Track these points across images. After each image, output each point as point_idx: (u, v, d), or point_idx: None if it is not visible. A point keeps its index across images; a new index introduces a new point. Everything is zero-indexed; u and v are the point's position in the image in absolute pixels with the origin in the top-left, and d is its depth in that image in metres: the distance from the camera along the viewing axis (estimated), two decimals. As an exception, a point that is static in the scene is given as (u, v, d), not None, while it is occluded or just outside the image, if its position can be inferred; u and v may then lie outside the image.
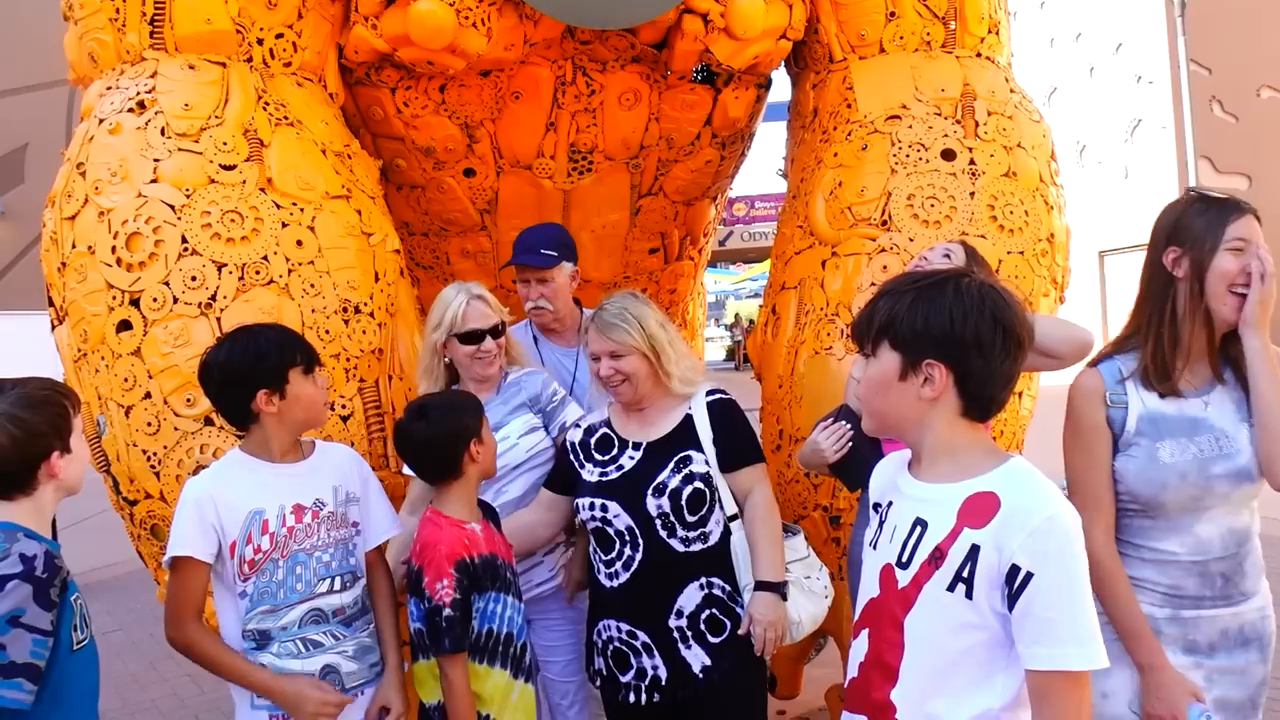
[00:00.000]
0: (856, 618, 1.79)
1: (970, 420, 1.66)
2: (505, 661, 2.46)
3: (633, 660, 2.59)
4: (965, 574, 1.55)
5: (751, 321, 26.73)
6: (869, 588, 1.74)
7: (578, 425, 2.87)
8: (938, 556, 1.58)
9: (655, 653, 2.55)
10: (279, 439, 2.41)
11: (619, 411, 2.79)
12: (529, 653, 2.57)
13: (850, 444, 2.62)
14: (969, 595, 1.54)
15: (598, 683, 2.73)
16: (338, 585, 2.41)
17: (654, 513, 2.56)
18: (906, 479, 1.73)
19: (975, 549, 1.54)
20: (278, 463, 2.41)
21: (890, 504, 1.76)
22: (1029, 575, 1.49)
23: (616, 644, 2.61)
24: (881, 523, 1.77)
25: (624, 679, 2.61)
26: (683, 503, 2.56)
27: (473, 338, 2.96)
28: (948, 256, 2.78)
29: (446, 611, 2.33)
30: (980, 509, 1.56)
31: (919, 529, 1.64)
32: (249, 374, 2.33)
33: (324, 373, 2.98)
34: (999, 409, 1.69)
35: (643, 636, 2.56)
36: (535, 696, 2.59)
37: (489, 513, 2.64)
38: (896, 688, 1.63)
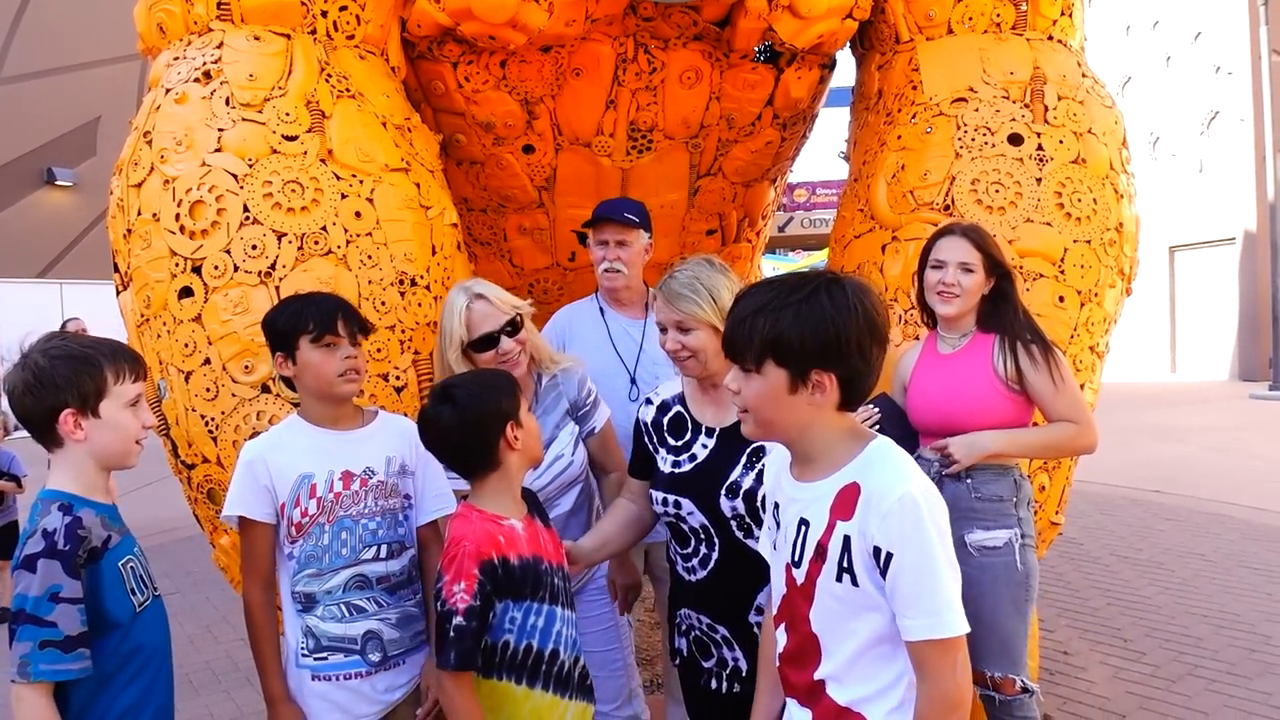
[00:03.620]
0: (774, 612, 1.88)
1: (843, 413, 1.75)
2: (548, 681, 2.20)
3: (714, 650, 2.51)
4: (845, 564, 1.65)
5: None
6: (779, 584, 1.84)
7: (650, 401, 2.68)
8: (820, 552, 1.69)
9: (736, 646, 2.46)
10: (308, 404, 2.46)
11: (694, 386, 2.60)
12: (580, 668, 2.31)
13: (877, 428, 2.59)
14: (854, 583, 1.65)
15: (676, 662, 2.66)
16: (383, 553, 2.42)
17: (728, 514, 2.41)
18: (789, 480, 1.82)
19: (847, 539, 1.65)
20: (333, 429, 2.44)
21: (778, 505, 1.86)
22: (889, 555, 1.60)
23: (698, 633, 2.54)
24: (778, 524, 1.85)
25: (705, 665, 2.53)
26: (758, 504, 2.36)
27: (487, 343, 2.81)
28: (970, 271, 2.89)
29: (457, 620, 2.04)
30: (846, 500, 1.67)
31: (803, 528, 1.74)
32: (269, 339, 2.44)
33: (375, 342, 3.02)
34: (863, 398, 1.77)
35: (723, 630, 2.47)
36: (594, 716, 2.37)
37: (534, 506, 2.38)
38: (820, 668, 1.74)
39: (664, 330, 2.52)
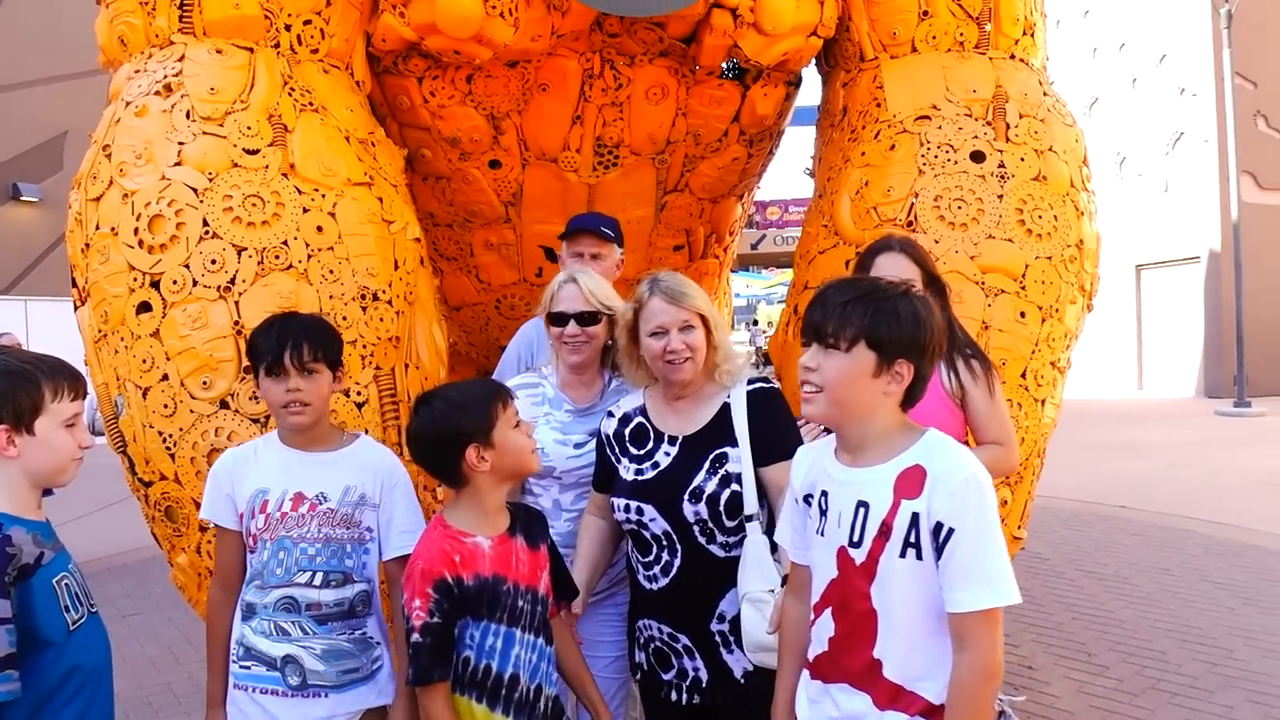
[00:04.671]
0: (817, 599, 1.94)
1: (901, 410, 1.89)
2: (507, 706, 2.16)
3: (674, 660, 2.51)
4: (912, 539, 1.76)
5: (770, 323, 26.61)
6: (826, 570, 1.90)
7: (611, 414, 2.70)
8: (885, 530, 1.79)
9: (697, 655, 2.47)
10: (277, 425, 2.46)
11: (656, 399, 2.63)
12: (548, 701, 2.24)
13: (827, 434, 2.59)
14: (919, 557, 1.76)
15: (638, 676, 2.64)
16: (318, 581, 2.34)
17: (691, 519, 2.43)
18: (838, 468, 1.92)
19: (915, 516, 1.76)
20: (301, 450, 2.41)
21: (825, 493, 1.93)
22: (950, 530, 1.71)
23: (658, 644, 2.53)
24: (824, 511, 1.92)
25: (665, 677, 2.53)
26: (721, 509, 2.42)
27: (559, 320, 2.84)
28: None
29: (414, 636, 2.06)
30: (911, 481, 1.78)
31: (862, 510, 1.83)
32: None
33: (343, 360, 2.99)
34: (918, 399, 1.91)
35: (684, 639, 2.48)
36: None
37: (525, 523, 2.30)
38: (876, 647, 1.81)
39: (663, 333, 2.50)
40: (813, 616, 1.96)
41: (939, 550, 1.73)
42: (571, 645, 2.42)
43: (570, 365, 2.90)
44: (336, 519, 2.38)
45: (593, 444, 2.81)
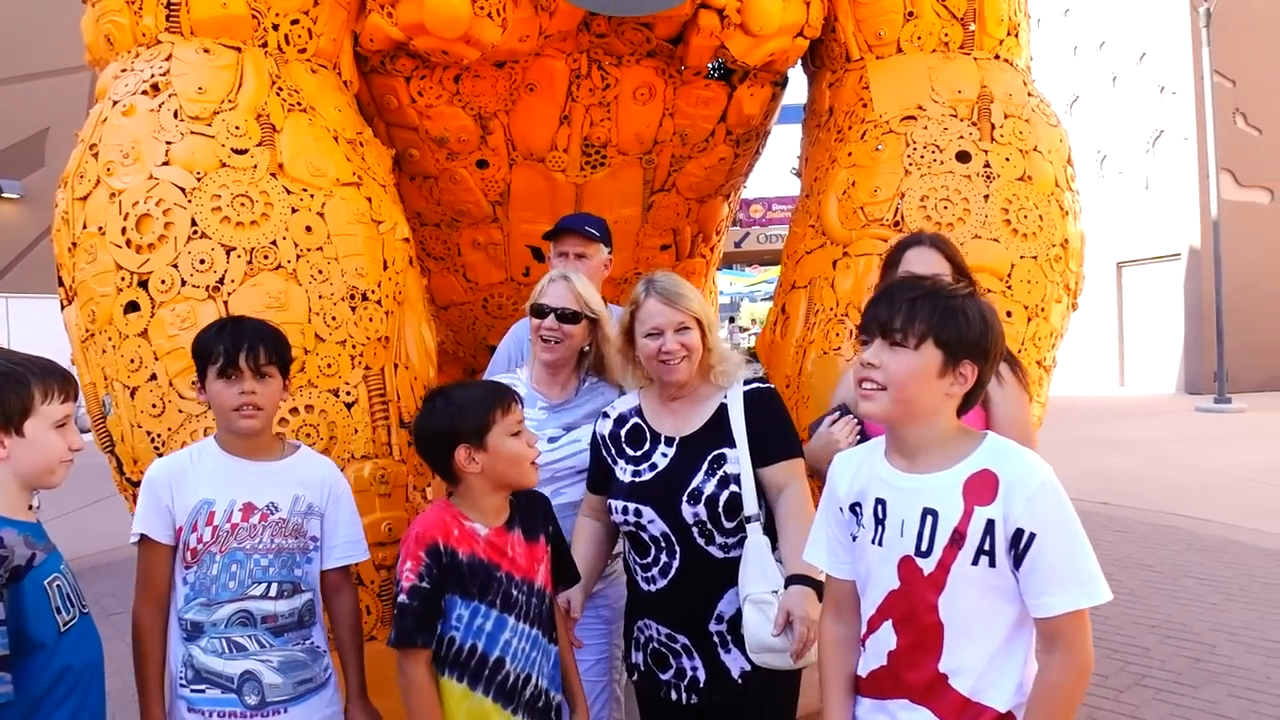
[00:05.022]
0: (873, 612, 1.87)
1: (957, 413, 1.86)
2: (489, 687, 2.17)
3: (672, 660, 2.51)
4: (986, 547, 1.72)
5: (754, 320, 26.52)
6: (884, 582, 1.83)
7: (606, 415, 2.71)
8: (958, 538, 1.74)
9: (695, 655, 2.47)
10: (220, 432, 2.38)
11: (652, 399, 2.63)
12: (536, 690, 2.25)
13: (860, 436, 2.57)
14: (992, 564, 1.72)
15: (634, 676, 2.64)
16: (273, 592, 2.29)
17: (690, 520, 2.43)
18: (895, 474, 1.85)
19: (990, 523, 1.71)
20: (244, 458, 2.35)
21: (881, 501, 1.85)
22: (1032, 535, 1.68)
23: (656, 644, 2.53)
24: (880, 520, 1.84)
25: (663, 677, 2.53)
26: (720, 510, 2.42)
27: (540, 312, 2.88)
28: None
29: (401, 597, 2.09)
30: (983, 487, 1.74)
31: (930, 518, 1.77)
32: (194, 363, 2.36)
33: (326, 358, 3.00)
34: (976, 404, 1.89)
35: (682, 639, 2.48)
36: None
37: (526, 521, 2.31)
38: (943, 660, 1.77)
39: (658, 334, 2.51)
40: (864, 630, 1.89)
41: (1019, 557, 1.69)
42: (564, 639, 2.41)
43: (544, 362, 2.92)
44: (288, 529, 2.33)
45: (568, 438, 2.84)
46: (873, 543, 1.86)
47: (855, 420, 2.60)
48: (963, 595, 1.74)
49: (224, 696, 2.24)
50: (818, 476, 2.99)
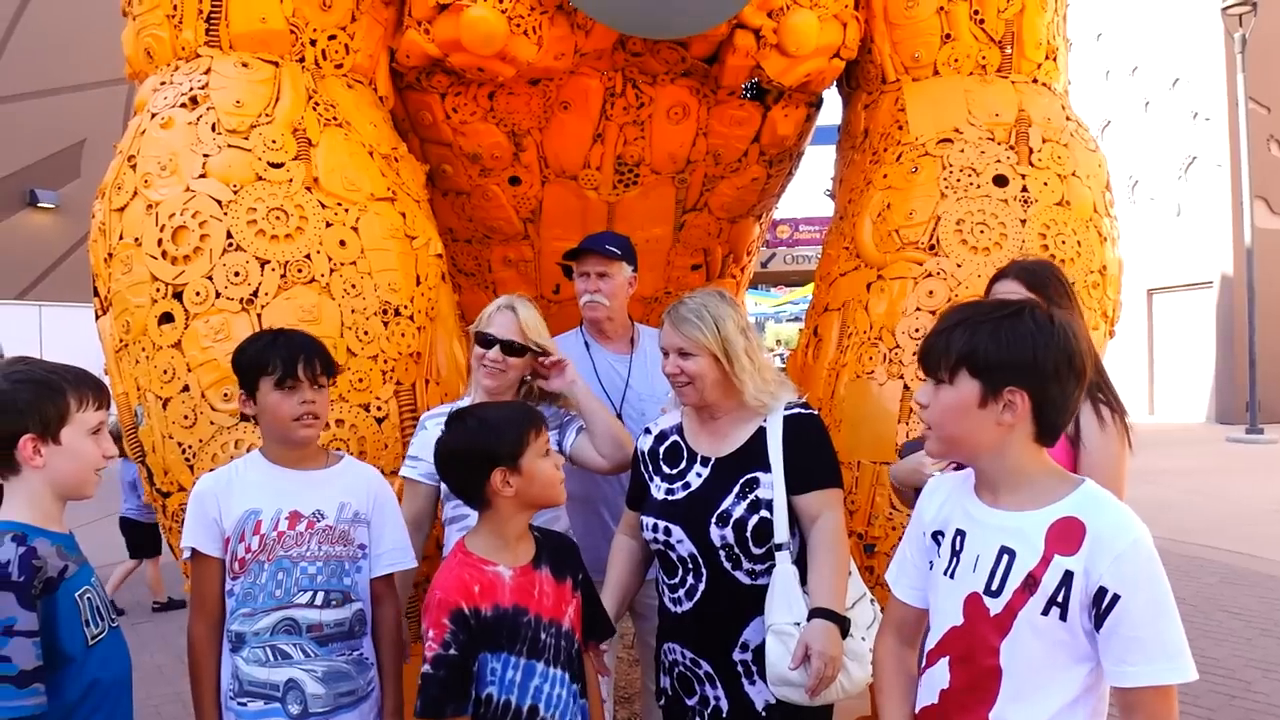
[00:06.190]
0: (933, 645, 1.79)
1: (1039, 445, 1.70)
2: None
3: (696, 687, 2.47)
4: (1060, 599, 1.60)
5: (780, 341, 26.39)
6: (948, 616, 1.76)
7: (648, 431, 2.68)
8: (1031, 583, 1.63)
9: (718, 684, 2.42)
10: (268, 443, 2.40)
11: (693, 419, 2.60)
12: None
13: (956, 464, 2.48)
14: (1063, 618, 1.60)
15: (662, 702, 2.60)
16: (319, 600, 2.31)
17: (717, 543, 2.39)
18: (980, 507, 1.76)
19: (1069, 575, 1.59)
20: (290, 468, 2.37)
21: (961, 533, 1.78)
22: (1116, 597, 1.55)
23: (681, 669, 2.49)
24: (956, 552, 1.77)
25: (689, 703, 2.49)
26: (748, 534, 2.37)
27: (484, 341, 2.87)
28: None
29: (425, 668, 2.02)
30: (1068, 535, 1.61)
31: (1006, 557, 1.67)
32: (236, 374, 2.39)
33: (358, 372, 3.00)
34: (1060, 435, 1.73)
35: (706, 666, 2.43)
36: None
37: (552, 554, 2.25)
38: (995, 709, 1.67)
39: (666, 354, 2.53)
40: (923, 664, 1.81)
41: (1099, 618, 1.57)
42: (592, 676, 2.36)
43: (485, 389, 2.91)
44: (335, 536, 2.35)
45: None
46: (945, 574, 1.79)
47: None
48: (1027, 644, 1.63)
49: (268, 707, 2.25)
50: (900, 496, 2.93)
